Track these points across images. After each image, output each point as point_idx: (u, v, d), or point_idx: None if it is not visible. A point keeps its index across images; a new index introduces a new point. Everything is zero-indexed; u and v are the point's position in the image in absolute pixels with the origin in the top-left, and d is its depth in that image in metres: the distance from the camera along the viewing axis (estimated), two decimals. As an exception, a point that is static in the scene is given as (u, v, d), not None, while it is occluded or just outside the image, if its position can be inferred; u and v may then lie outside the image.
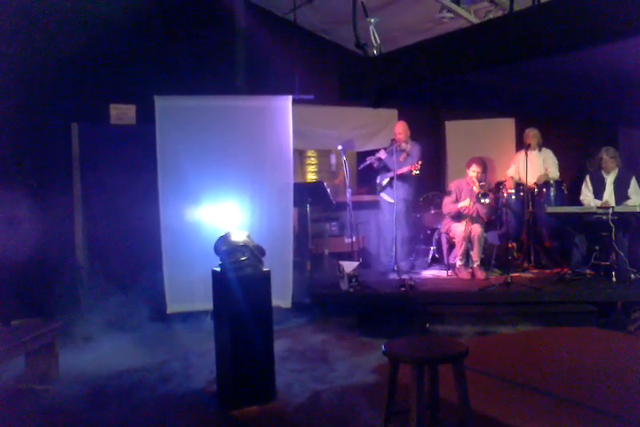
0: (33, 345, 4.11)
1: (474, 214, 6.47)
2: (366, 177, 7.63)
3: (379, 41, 2.24)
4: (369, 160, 6.93)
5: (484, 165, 6.64)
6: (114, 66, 6.37)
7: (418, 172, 6.57)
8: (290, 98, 5.92)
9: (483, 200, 6.34)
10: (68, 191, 6.22)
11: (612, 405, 3.58)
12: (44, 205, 5.92)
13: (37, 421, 3.60)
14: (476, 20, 4.67)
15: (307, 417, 3.56)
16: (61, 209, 6.14)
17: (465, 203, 6.46)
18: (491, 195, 6.46)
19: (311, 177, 8.15)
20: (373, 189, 7.23)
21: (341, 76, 2.42)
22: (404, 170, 6.65)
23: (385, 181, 6.89)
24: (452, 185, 6.80)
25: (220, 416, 3.69)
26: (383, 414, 2.55)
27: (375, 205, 7.21)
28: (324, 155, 8.24)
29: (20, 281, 5.67)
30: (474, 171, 6.53)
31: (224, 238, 4.06)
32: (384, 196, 6.99)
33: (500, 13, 4.73)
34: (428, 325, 5.23)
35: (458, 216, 6.56)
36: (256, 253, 4.01)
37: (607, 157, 6.22)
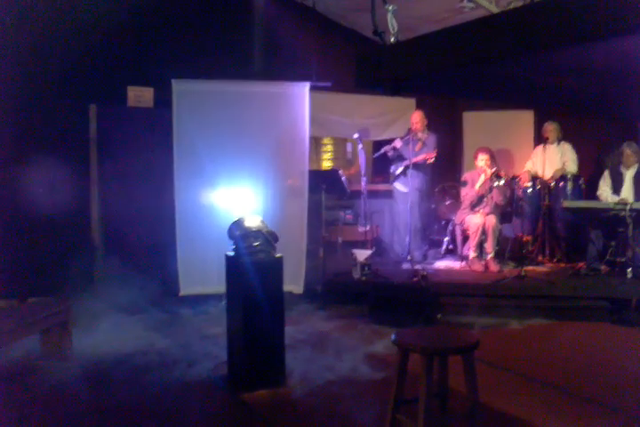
0: (47, 323, 4.16)
1: (490, 204, 6.42)
2: (382, 166, 7.59)
3: (396, 28, 2.22)
4: (384, 149, 6.91)
5: (491, 153, 6.60)
6: (133, 48, 6.38)
7: (433, 160, 6.55)
8: (307, 84, 5.90)
9: (497, 182, 6.31)
10: (84, 172, 6.26)
11: (620, 401, 3.57)
12: (61, 185, 5.96)
13: (49, 397, 3.65)
14: (496, 10, 4.61)
15: (316, 403, 3.58)
16: (78, 190, 6.19)
17: (480, 181, 6.42)
18: (503, 174, 6.39)
19: (326, 165, 8.13)
20: (388, 178, 7.20)
21: (358, 63, 2.40)
22: (419, 158, 6.63)
23: (399, 171, 6.87)
24: (465, 177, 6.78)
25: (230, 399, 3.72)
26: (392, 402, 2.56)
27: (389, 194, 7.19)
28: (339, 143, 8.21)
29: (36, 260, 5.74)
30: (482, 159, 6.51)
31: (238, 223, 4.07)
32: (397, 185, 6.97)
33: (521, 3, 4.67)
34: (439, 315, 5.23)
35: (477, 204, 6.50)
36: (269, 238, 4.02)
37: (630, 151, 6.14)
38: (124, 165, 6.28)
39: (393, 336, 2.59)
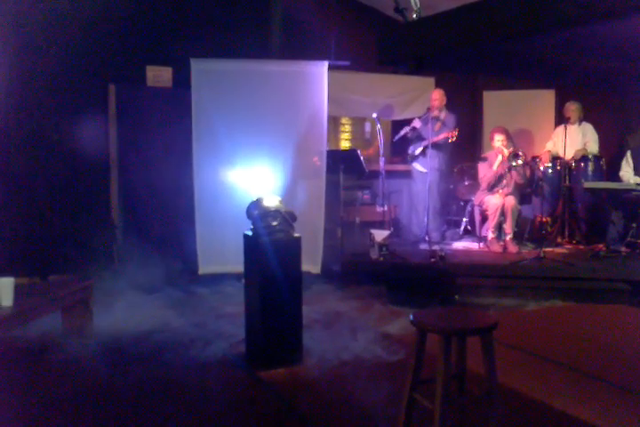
0: (68, 301, 4.21)
1: (509, 186, 6.37)
2: (400, 147, 7.55)
3: (418, 5, 2.17)
4: (403, 131, 6.87)
5: (507, 133, 6.54)
6: (151, 28, 6.37)
7: (454, 139, 6.50)
8: (326, 63, 5.85)
9: (514, 161, 6.26)
10: (104, 151, 6.30)
11: (636, 383, 3.56)
12: (81, 164, 6.01)
13: (70, 375, 3.72)
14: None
15: (332, 382, 3.61)
16: (97, 169, 6.24)
17: (498, 159, 6.36)
18: (522, 154, 6.33)
19: (344, 145, 8.09)
20: (406, 158, 7.16)
21: (380, 41, 2.36)
22: (441, 137, 6.58)
23: (418, 150, 6.83)
24: (484, 156, 6.73)
25: (247, 376, 3.76)
26: (409, 382, 2.57)
27: (408, 174, 7.16)
28: (358, 123, 8.15)
29: (57, 238, 5.82)
30: (498, 140, 6.47)
31: (256, 203, 4.07)
32: (416, 165, 6.94)
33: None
34: (457, 296, 5.22)
35: (493, 187, 6.46)
36: (288, 218, 4.02)
37: (652, 132, 6.04)
38: (144, 143, 6.31)
39: (411, 317, 2.59)
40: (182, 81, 6.14)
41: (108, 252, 5.96)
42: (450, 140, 6.55)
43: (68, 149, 5.98)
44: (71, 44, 5.94)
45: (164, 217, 6.26)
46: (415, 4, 2.08)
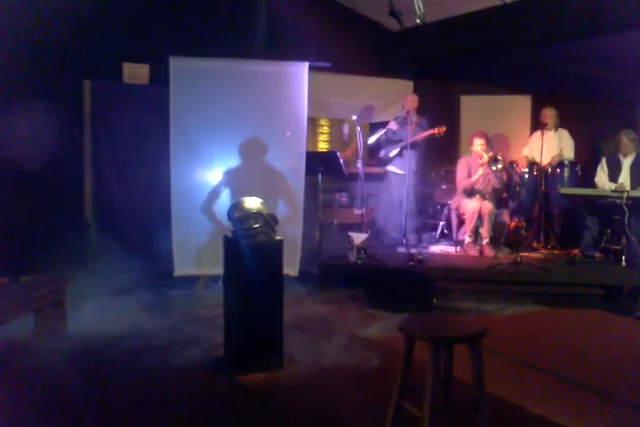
0: (41, 303, 4.11)
1: (487, 190, 6.42)
2: (376, 148, 7.54)
3: (422, 10, 2.13)
4: (378, 133, 6.89)
5: (487, 138, 6.59)
6: (129, 24, 6.22)
7: (442, 134, 6.58)
8: (306, 64, 5.83)
9: (494, 166, 6.30)
10: (77, 148, 6.14)
11: (614, 388, 3.59)
12: (54, 162, 5.85)
13: (43, 378, 3.61)
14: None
15: (314, 387, 3.57)
16: (71, 167, 6.09)
17: (478, 173, 6.40)
18: (501, 158, 6.38)
19: (322, 146, 8.06)
20: (381, 161, 7.16)
21: (378, 47, 2.32)
22: (426, 134, 6.60)
23: (394, 152, 6.84)
24: (461, 162, 6.74)
25: (227, 381, 3.70)
26: (397, 390, 2.54)
27: (384, 177, 7.16)
28: (336, 124, 8.13)
29: (28, 238, 5.66)
30: (478, 144, 6.50)
31: (237, 205, 4.01)
32: (392, 168, 6.95)
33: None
34: (435, 300, 5.23)
35: (471, 192, 6.50)
36: (269, 220, 3.96)
37: (627, 139, 6.13)
38: (119, 141, 6.17)
39: (398, 324, 2.56)
40: (159, 78, 6.05)
41: (81, 252, 5.83)
42: (437, 136, 6.59)
43: (40, 147, 5.81)
44: (45, 39, 5.78)
45: (140, 217, 6.14)
46: (419, 8, 2.05)
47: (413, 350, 2.53)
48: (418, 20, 2.04)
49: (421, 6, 2.07)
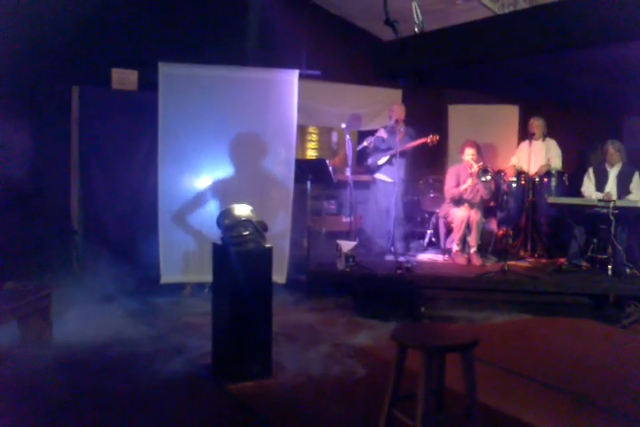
0: (26, 310, 4.04)
1: (475, 199, 6.44)
2: (364, 156, 7.56)
3: (421, 18, 2.14)
4: (367, 141, 6.89)
5: (478, 148, 6.61)
6: (118, 29, 6.19)
7: (435, 142, 6.64)
8: (296, 72, 5.83)
9: (483, 177, 6.33)
10: (65, 154, 6.09)
11: (602, 396, 3.62)
12: (41, 167, 5.80)
13: (28, 388, 3.55)
14: (498, 10, 4.54)
15: (303, 396, 3.55)
16: (58, 173, 6.03)
17: (467, 183, 6.42)
18: (490, 170, 6.43)
19: (311, 154, 8.06)
20: (369, 169, 7.16)
21: (376, 55, 2.32)
22: (417, 143, 6.63)
23: (382, 160, 6.85)
24: (451, 171, 6.76)
25: (216, 390, 3.66)
26: (388, 398, 2.53)
27: (372, 185, 7.16)
28: (325, 132, 8.14)
29: (13, 245, 5.58)
30: (468, 154, 6.52)
31: (227, 212, 3.98)
32: (381, 176, 6.95)
33: (526, 5, 4.62)
34: (423, 308, 5.22)
35: (459, 201, 6.52)
36: (259, 228, 3.95)
37: (613, 149, 6.18)
38: (107, 147, 6.12)
39: (391, 332, 2.55)
40: (148, 84, 6.02)
41: (67, 259, 5.76)
42: (430, 145, 6.62)
43: (27, 152, 5.75)
44: (34, 44, 5.72)
45: (127, 224, 6.09)
46: (417, 17, 2.05)
47: (405, 359, 2.51)
48: (416, 29, 2.05)
49: (420, 15, 2.07)
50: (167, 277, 5.70)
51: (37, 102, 5.80)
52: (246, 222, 3.91)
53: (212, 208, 5.65)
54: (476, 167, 6.39)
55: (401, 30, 2.37)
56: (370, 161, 7.01)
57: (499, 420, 3.19)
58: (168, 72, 5.62)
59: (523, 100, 7.95)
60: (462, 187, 6.45)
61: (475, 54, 1.89)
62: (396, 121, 6.70)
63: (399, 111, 6.81)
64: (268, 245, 3.95)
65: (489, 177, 6.33)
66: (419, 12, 2.16)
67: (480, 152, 6.61)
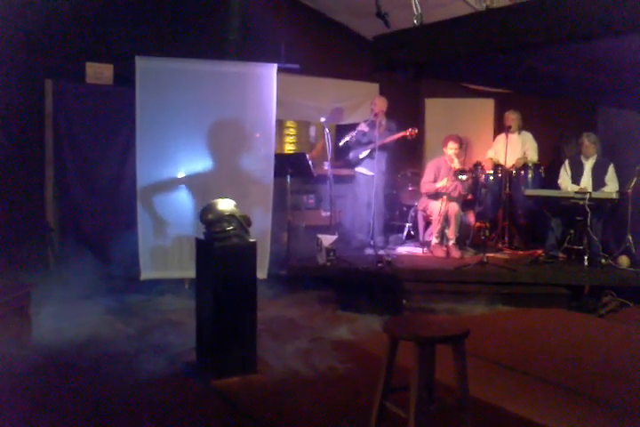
0: (3, 309, 3.96)
1: (453, 194, 6.48)
2: (344, 151, 7.55)
3: (420, 10, 2.12)
4: (349, 136, 6.87)
5: (461, 142, 6.65)
6: (93, 22, 6.09)
7: (414, 136, 6.66)
8: (275, 66, 5.80)
9: (460, 177, 6.37)
10: (39, 149, 5.96)
11: (584, 385, 3.69)
12: (14, 163, 5.68)
13: (7, 389, 3.49)
14: (479, 7, 4.56)
15: (289, 390, 3.54)
16: (31, 168, 5.91)
17: (443, 182, 6.46)
18: (469, 174, 6.49)
19: (289, 148, 8.03)
20: (349, 163, 7.16)
21: (376, 47, 2.29)
22: (397, 136, 6.64)
23: (364, 154, 6.84)
24: (431, 164, 6.79)
25: (201, 386, 3.63)
26: (380, 390, 2.53)
27: (351, 179, 7.16)
28: (303, 126, 8.12)
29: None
30: (451, 148, 6.55)
31: (210, 207, 3.94)
32: (361, 169, 6.94)
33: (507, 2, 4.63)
34: (405, 301, 5.25)
35: (435, 195, 6.56)
36: (243, 223, 3.92)
37: (588, 142, 6.26)
38: (82, 142, 6.02)
39: (382, 325, 2.55)
40: (124, 78, 5.94)
41: (43, 256, 5.66)
42: (409, 138, 6.64)
43: (0, 148, 5.63)
44: (6, 36, 5.60)
45: (104, 220, 6.00)
46: (416, 9, 2.03)
47: (396, 351, 2.52)
48: (415, 21, 2.02)
49: (419, 6, 2.05)
50: (147, 273, 5.62)
51: (10, 96, 5.65)
52: (230, 217, 3.88)
53: (190, 204, 5.60)
54: (456, 164, 6.42)
55: (391, 23, 2.36)
56: (351, 155, 6.99)
57: (484, 410, 3.22)
58: (145, 66, 5.53)
59: (497, 93, 8.01)
60: (438, 184, 6.48)
61: (476, 47, 1.89)
62: (376, 114, 6.69)
63: (381, 104, 6.79)
64: (252, 240, 3.93)
65: (465, 177, 6.37)
66: (417, 4, 2.15)
67: (463, 146, 6.66)
